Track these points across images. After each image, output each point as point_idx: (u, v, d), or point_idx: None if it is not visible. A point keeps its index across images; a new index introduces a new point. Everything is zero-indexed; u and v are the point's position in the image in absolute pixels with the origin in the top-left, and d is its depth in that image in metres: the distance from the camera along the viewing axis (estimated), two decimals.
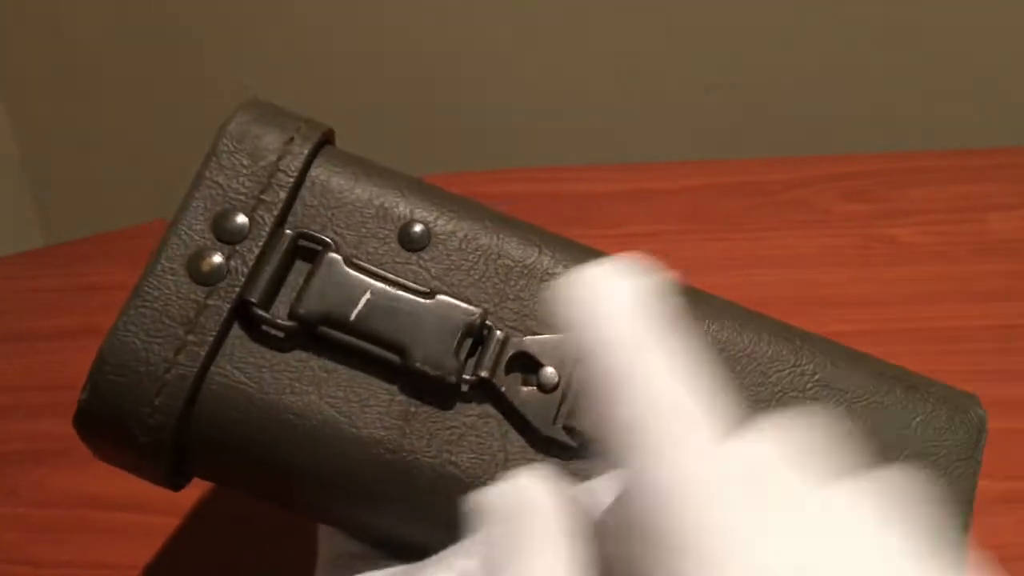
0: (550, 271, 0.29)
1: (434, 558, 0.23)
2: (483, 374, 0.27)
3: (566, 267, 0.29)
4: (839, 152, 0.60)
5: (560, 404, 0.27)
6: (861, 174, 0.56)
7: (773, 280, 0.50)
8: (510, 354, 0.27)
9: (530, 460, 0.27)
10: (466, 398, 0.27)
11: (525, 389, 0.27)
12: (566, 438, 0.27)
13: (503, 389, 0.27)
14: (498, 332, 0.27)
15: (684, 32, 0.76)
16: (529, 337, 0.28)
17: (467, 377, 0.27)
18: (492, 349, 0.27)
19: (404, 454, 0.27)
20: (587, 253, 0.30)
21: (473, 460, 0.27)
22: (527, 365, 0.28)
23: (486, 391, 0.27)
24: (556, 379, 0.27)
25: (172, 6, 0.78)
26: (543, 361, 0.27)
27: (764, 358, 0.28)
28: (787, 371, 0.28)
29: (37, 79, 0.84)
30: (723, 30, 0.76)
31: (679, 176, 0.56)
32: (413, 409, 0.27)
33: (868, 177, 0.55)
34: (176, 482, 0.28)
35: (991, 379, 0.44)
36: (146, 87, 0.82)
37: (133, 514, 0.40)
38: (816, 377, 0.28)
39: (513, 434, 0.27)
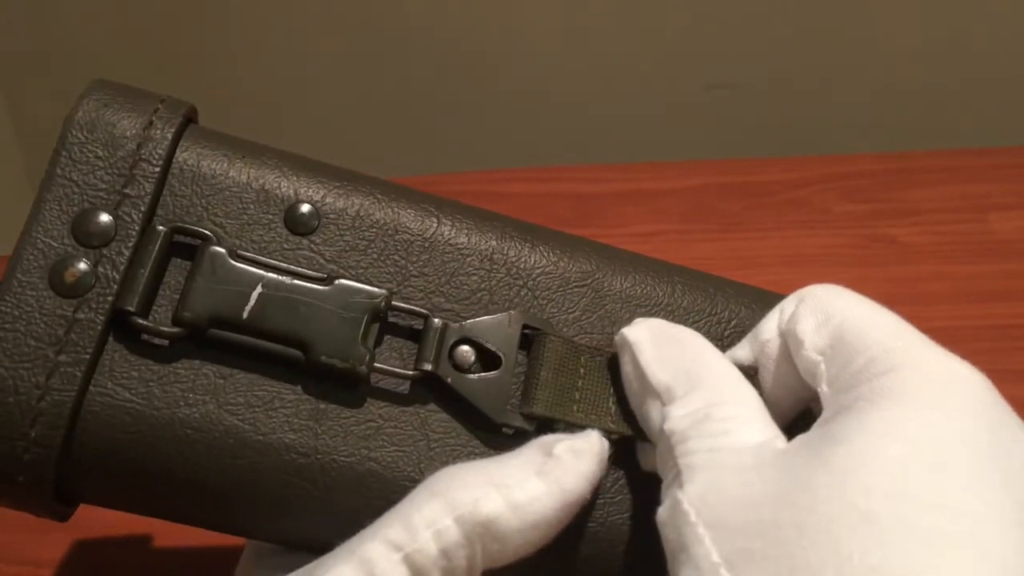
0: (452, 241, 0.27)
1: (337, 549, 0.22)
2: (427, 367, 0.25)
3: (468, 235, 0.27)
4: (839, 152, 0.60)
5: (511, 389, 0.25)
6: (861, 174, 0.55)
7: (773, 280, 0.49)
8: (452, 342, 0.25)
9: (453, 446, 0.25)
10: (377, 383, 0.25)
11: (471, 377, 0.25)
12: (523, 423, 0.25)
13: (450, 380, 0.25)
14: (436, 321, 0.25)
15: (684, 32, 0.76)
16: (470, 322, 0.26)
17: (410, 372, 0.25)
18: (433, 341, 0.25)
19: (319, 456, 0.24)
20: (486, 218, 0.28)
21: (394, 453, 0.25)
22: (467, 351, 0.26)
23: (431, 385, 0.25)
24: (502, 362, 0.25)
25: (173, 7, 0.78)
26: (489, 346, 0.25)
27: (680, 309, 0.28)
28: (703, 320, 0.28)
29: (38, 79, 0.84)
30: (723, 30, 0.76)
31: (679, 176, 0.56)
32: (323, 406, 0.25)
33: (868, 177, 0.55)
34: (63, 512, 0.26)
35: (991, 379, 0.44)
36: (148, 87, 0.82)
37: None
38: (732, 324, 0.28)
39: (433, 420, 0.25)
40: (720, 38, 0.76)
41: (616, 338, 0.25)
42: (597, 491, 0.24)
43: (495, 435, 0.26)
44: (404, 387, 0.26)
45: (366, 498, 0.25)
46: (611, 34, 0.77)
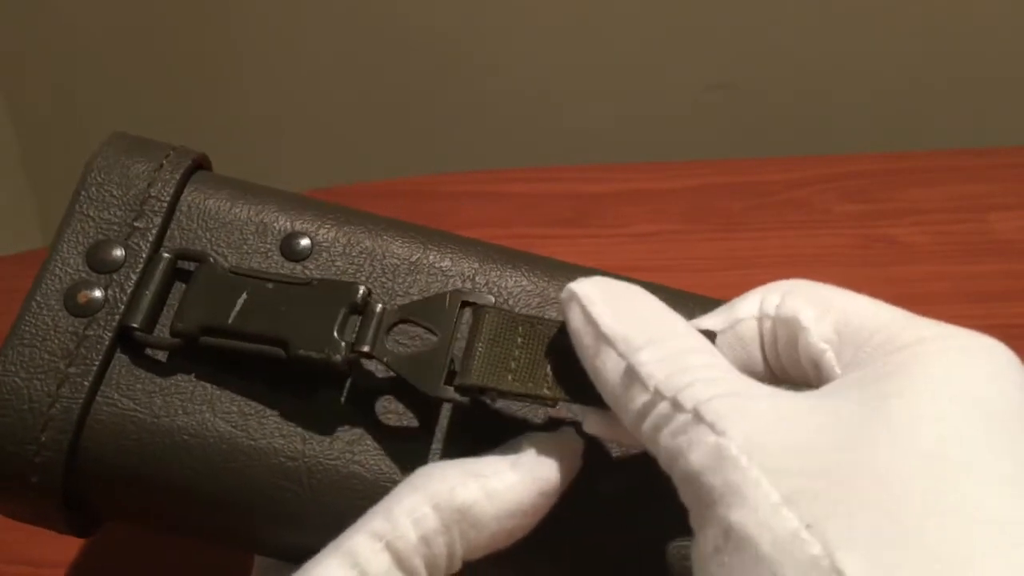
0: (436, 264, 0.28)
1: (325, 548, 0.22)
2: (364, 348, 0.25)
3: (452, 258, 0.29)
4: (839, 152, 0.60)
5: (443, 362, 0.25)
6: (861, 174, 0.55)
7: (773, 280, 0.50)
8: (390, 323, 0.26)
9: (424, 446, 0.26)
10: (362, 387, 0.27)
11: (404, 354, 0.26)
12: (455, 395, 0.25)
13: (386, 360, 0.25)
14: (377, 306, 0.26)
15: (684, 32, 0.76)
16: (408, 303, 0.26)
17: (350, 355, 0.25)
18: (372, 323, 0.26)
19: (305, 459, 0.26)
20: (471, 244, 0.29)
21: (376, 457, 0.26)
22: (421, 340, 0.27)
23: (376, 371, 0.26)
24: (437, 340, 0.26)
25: (174, 6, 0.78)
26: (426, 324, 0.26)
27: None
28: None
29: (38, 78, 0.84)
30: (723, 30, 0.76)
31: (679, 176, 0.56)
32: (311, 411, 0.26)
33: (868, 177, 0.55)
34: (85, 528, 0.28)
35: None
36: (147, 87, 0.82)
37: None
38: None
39: (408, 418, 0.26)
40: (720, 38, 0.76)
41: (562, 294, 0.24)
42: (573, 483, 0.24)
43: (436, 409, 0.26)
44: (384, 387, 0.27)
45: (351, 499, 0.25)
46: (611, 34, 0.77)
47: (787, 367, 0.24)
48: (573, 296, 0.23)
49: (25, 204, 0.87)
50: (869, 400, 0.19)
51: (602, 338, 0.22)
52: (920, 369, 0.20)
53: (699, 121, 0.80)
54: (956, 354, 0.20)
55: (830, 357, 0.22)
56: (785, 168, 0.56)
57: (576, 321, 0.23)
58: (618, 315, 0.23)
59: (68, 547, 0.39)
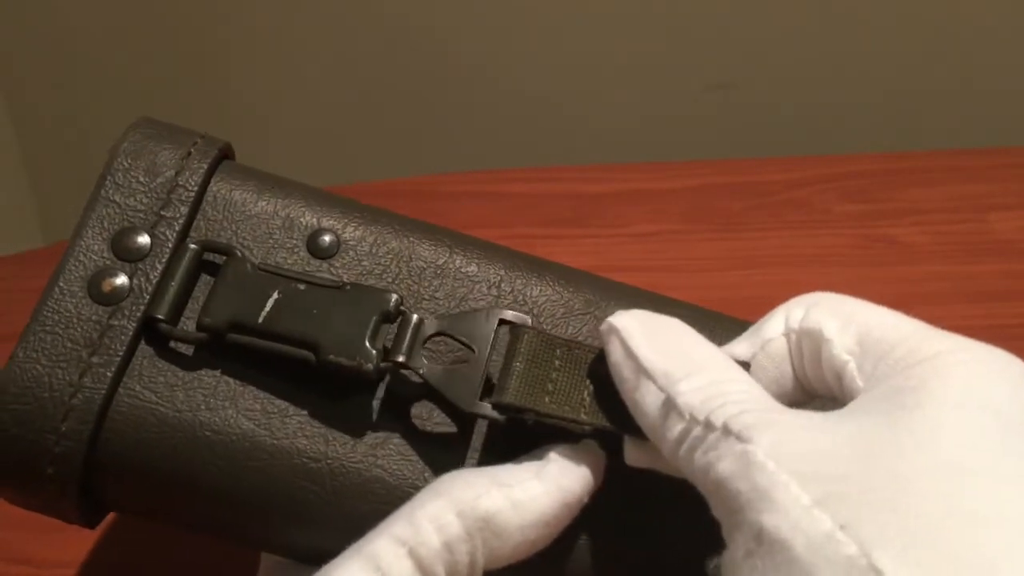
0: (463, 269, 0.28)
1: (346, 551, 0.22)
2: (400, 359, 0.25)
3: (478, 264, 0.28)
4: (839, 152, 0.60)
5: (479, 379, 0.25)
6: (861, 174, 0.56)
7: (773, 280, 0.50)
8: (427, 335, 0.26)
9: (453, 458, 0.26)
10: (388, 392, 0.26)
11: (443, 368, 0.26)
12: (492, 412, 0.25)
13: (421, 372, 0.25)
14: (414, 316, 0.26)
15: (684, 32, 0.76)
16: (447, 317, 0.27)
17: (383, 365, 0.25)
18: (408, 334, 0.26)
19: (328, 461, 0.26)
20: (497, 250, 0.29)
21: (400, 462, 0.26)
22: (445, 345, 0.27)
23: (405, 377, 0.26)
24: (474, 356, 0.26)
25: (173, 7, 0.78)
26: (463, 339, 0.26)
27: None
28: None
29: (38, 79, 0.84)
30: (723, 30, 0.76)
31: (679, 176, 0.56)
32: (335, 413, 0.26)
33: (868, 177, 0.55)
34: (92, 518, 0.27)
35: None
36: (147, 87, 0.82)
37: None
38: None
39: (433, 424, 0.26)
40: (719, 38, 0.76)
41: (602, 327, 0.24)
42: (594, 496, 0.24)
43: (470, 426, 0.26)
44: (410, 394, 0.26)
45: (372, 503, 0.25)
46: (611, 34, 0.77)
47: (812, 380, 0.24)
48: (612, 330, 0.24)
49: (25, 204, 0.87)
50: (891, 412, 0.20)
51: (642, 372, 0.23)
52: (940, 382, 0.20)
53: (699, 121, 0.80)
54: (974, 367, 0.21)
55: (852, 368, 0.22)
56: (785, 168, 0.56)
57: (616, 355, 0.24)
58: (657, 349, 0.23)
59: (68, 547, 0.39)
